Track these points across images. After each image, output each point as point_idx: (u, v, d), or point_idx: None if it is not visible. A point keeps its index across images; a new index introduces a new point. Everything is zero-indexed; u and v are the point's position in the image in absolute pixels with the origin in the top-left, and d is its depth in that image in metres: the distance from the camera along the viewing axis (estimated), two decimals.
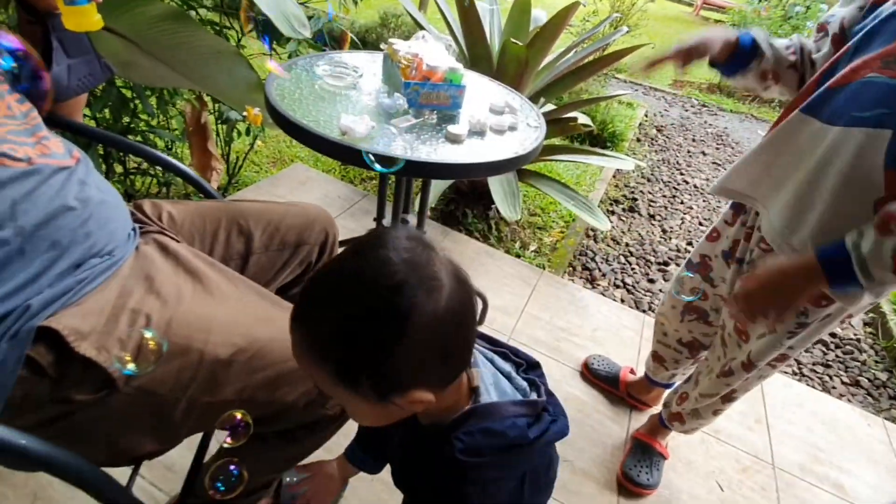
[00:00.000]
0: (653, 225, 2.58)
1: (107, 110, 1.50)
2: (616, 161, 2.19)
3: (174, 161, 1.02)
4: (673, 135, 3.78)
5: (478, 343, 0.66)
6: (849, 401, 1.76)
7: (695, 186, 3.06)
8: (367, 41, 3.50)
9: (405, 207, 1.50)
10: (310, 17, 1.58)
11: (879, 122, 0.72)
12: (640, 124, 3.79)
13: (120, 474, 0.64)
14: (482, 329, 1.64)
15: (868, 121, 0.73)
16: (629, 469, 1.29)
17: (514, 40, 1.74)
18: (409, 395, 0.48)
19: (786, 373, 1.82)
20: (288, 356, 0.66)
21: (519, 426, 0.55)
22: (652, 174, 3.10)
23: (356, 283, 0.46)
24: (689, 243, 2.49)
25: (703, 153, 3.57)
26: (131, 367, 0.59)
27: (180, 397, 0.67)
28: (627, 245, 2.37)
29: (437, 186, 2.08)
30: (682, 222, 2.66)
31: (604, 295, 1.99)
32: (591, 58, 2.13)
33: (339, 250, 0.99)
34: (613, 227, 2.49)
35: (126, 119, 1.57)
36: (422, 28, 2.08)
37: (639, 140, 3.56)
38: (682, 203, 2.84)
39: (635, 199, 2.76)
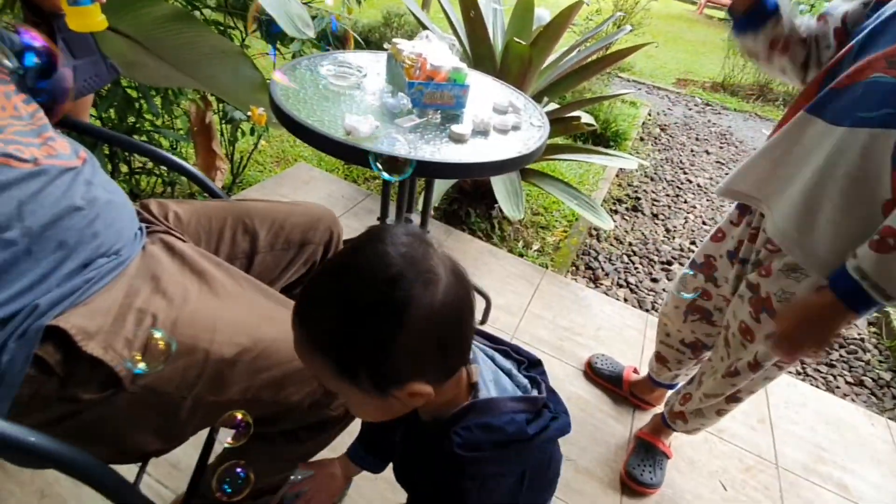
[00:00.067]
0: (656, 224, 2.58)
1: (112, 110, 1.51)
2: (619, 160, 2.19)
3: (179, 160, 1.03)
4: (676, 134, 3.77)
5: (478, 341, 0.66)
6: (853, 400, 1.76)
7: (698, 185, 3.05)
8: (370, 40, 3.50)
9: (409, 207, 1.50)
10: (313, 17, 1.59)
11: (885, 123, 0.72)
12: (643, 123, 3.78)
13: (127, 471, 0.65)
14: (485, 328, 1.65)
15: (874, 121, 0.72)
16: (632, 468, 1.29)
17: (518, 39, 1.74)
18: (407, 388, 0.49)
19: (790, 372, 1.81)
20: (292, 356, 0.67)
21: (518, 422, 0.55)
22: (655, 173, 3.09)
23: (353, 277, 0.47)
24: (693, 242, 2.48)
25: (707, 152, 3.56)
26: (142, 366, 0.60)
27: (186, 396, 0.67)
28: (631, 244, 2.37)
29: (441, 186, 2.08)
30: (686, 221, 2.65)
31: (607, 294, 1.99)
32: (594, 57, 2.13)
33: None
34: (617, 226, 2.48)
35: (131, 119, 1.58)
36: (425, 27, 2.08)
37: (642, 139, 3.55)
38: (685, 202, 2.84)
39: (638, 199, 2.76)
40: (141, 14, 1.11)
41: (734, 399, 1.12)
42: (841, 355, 1.98)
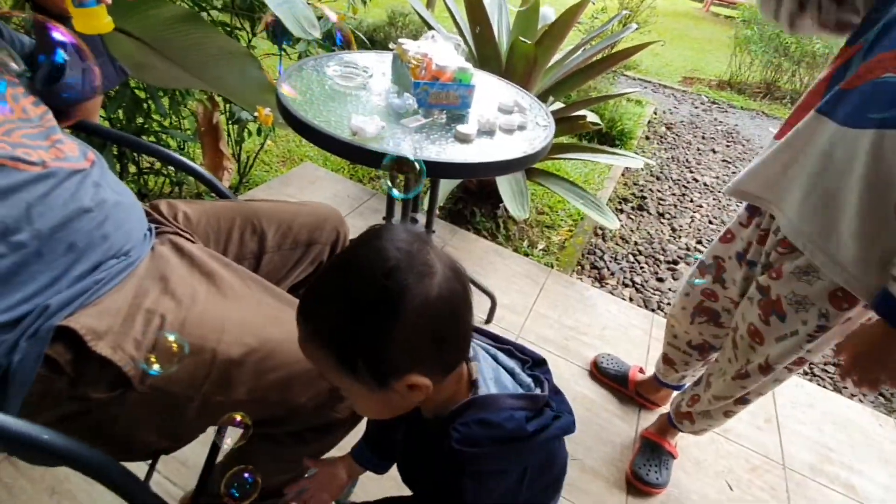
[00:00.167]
0: (662, 223, 2.57)
1: (121, 111, 1.52)
2: (625, 159, 2.19)
3: (187, 161, 1.04)
4: (682, 132, 3.76)
5: (481, 340, 0.66)
6: (860, 401, 1.75)
7: (704, 184, 3.04)
8: (375, 40, 3.51)
9: (414, 206, 1.51)
10: (319, 18, 1.59)
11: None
12: (649, 122, 3.76)
13: (137, 469, 0.66)
14: (490, 327, 1.65)
15: (885, 122, 0.72)
16: (638, 468, 1.29)
17: (523, 39, 1.74)
18: (405, 380, 0.50)
19: (797, 372, 1.80)
20: (299, 357, 0.67)
21: (517, 419, 0.56)
22: (661, 172, 3.08)
23: (352, 271, 0.50)
24: (699, 242, 2.47)
25: (714, 151, 3.54)
26: (156, 367, 0.61)
27: (194, 396, 0.68)
28: (636, 244, 2.36)
29: (446, 185, 2.09)
30: (692, 221, 2.64)
31: (612, 294, 1.98)
32: (599, 55, 2.12)
33: None
34: (622, 225, 2.48)
35: (140, 120, 1.59)
36: (430, 27, 2.09)
37: (648, 138, 3.54)
38: (691, 201, 2.83)
39: (644, 198, 2.75)
40: (149, 15, 1.12)
41: (743, 401, 1.11)
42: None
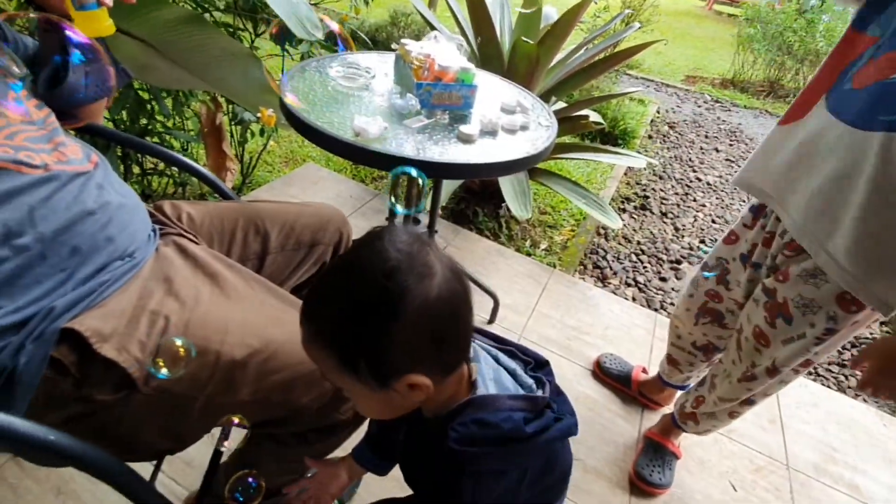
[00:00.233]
0: (665, 223, 2.57)
1: (125, 112, 1.53)
2: (627, 159, 2.18)
3: (190, 162, 1.04)
4: (685, 131, 3.75)
5: (483, 341, 0.67)
6: (864, 400, 1.74)
7: (707, 184, 3.03)
8: (377, 40, 3.51)
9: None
10: (321, 19, 1.59)
11: None
12: (651, 121, 3.76)
13: (142, 469, 0.66)
14: (492, 327, 1.65)
15: (894, 125, 0.71)
16: (641, 468, 1.29)
17: (526, 39, 1.74)
18: (405, 380, 0.51)
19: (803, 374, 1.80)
20: (302, 359, 0.68)
21: (515, 420, 0.56)
22: (664, 171, 3.07)
23: (353, 272, 0.50)
24: (702, 241, 2.47)
25: (717, 150, 3.53)
26: (164, 371, 0.61)
27: (198, 397, 0.68)
28: (639, 243, 2.36)
29: (448, 186, 2.09)
30: (695, 220, 2.64)
31: (615, 293, 1.98)
32: (602, 55, 2.12)
33: None
34: (625, 225, 2.47)
35: (143, 121, 1.60)
36: (432, 27, 2.09)
37: (650, 137, 3.53)
38: (694, 200, 2.82)
39: (647, 197, 2.74)
40: (152, 17, 1.12)
41: (748, 402, 1.11)
42: (853, 355, 1.96)
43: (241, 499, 0.65)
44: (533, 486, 0.60)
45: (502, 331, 1.66)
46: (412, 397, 0.53)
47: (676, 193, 2.86)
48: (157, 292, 0.72)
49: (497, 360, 0.64)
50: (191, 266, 0.79)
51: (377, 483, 1.14)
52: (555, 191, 2.06)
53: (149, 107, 1.58)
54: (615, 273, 2.13)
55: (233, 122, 1.84)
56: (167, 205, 0.90)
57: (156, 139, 1.65)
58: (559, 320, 1.75)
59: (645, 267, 2.21)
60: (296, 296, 0.86)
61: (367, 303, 0.48)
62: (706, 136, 3.72)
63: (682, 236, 2.48)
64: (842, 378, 1.84)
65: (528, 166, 1.16)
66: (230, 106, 1.78)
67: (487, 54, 1.96)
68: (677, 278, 2.18)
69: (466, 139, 1.07)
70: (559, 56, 2.12)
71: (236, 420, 0.66)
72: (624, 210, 2.61)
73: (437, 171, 1.02)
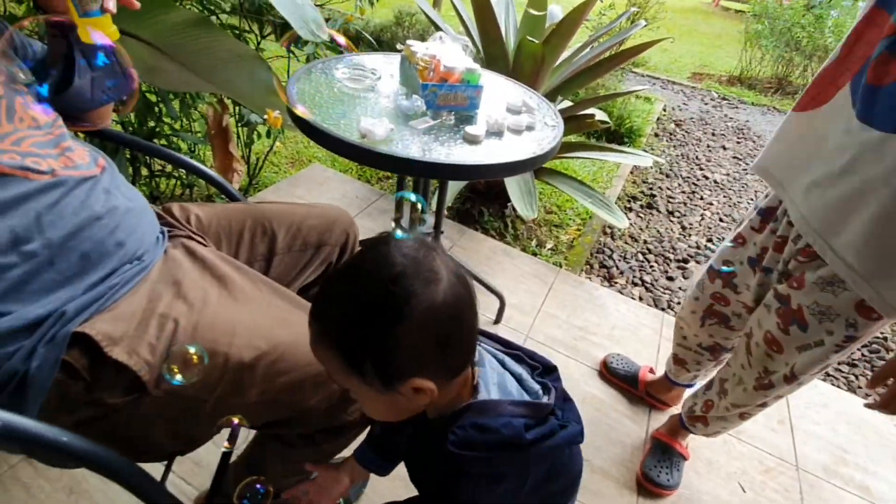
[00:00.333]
0: (672, 221, 2.55)
1: (132, 114, 1.54)
2: (633, 157, 2.17)
3: (198, 164, 1.05)
4: (692, 129, 3.72)
5: (490, 344, 0.67)
6: (875, 400, 1.72)
7: (715, 182, 3.01)
8: (381, 40, 3.51)
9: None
10: (326, 20, 1.60)
11: None
12: (658, 119, 3.74)
13: (152, 469, 0.67)
14: (498, 327, 1.65)
15: None
16: (649, 469, 1.29)
17: (531, 38, 1.73)
18: (410, 383, 0.51)
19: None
20: (309, 360, 0.68)
21: (515, 426, 0.56)
22: (671, 170, 3.05)
23: (359, 276, 0.51)
24: (710, 240, 2.45)
25: (724, 147, 3.50)
26: (179, 377, 0.62)
27: (207, 399, 0.69)
28: (646, 242, 2.35)
29: (454, 185, 2.09)
30: (702, 219, 2.62)
31: (622, 293, 1.97)
32: (608, 53, 2.11)
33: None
34: (631, 224, 2.46)
35: (151, 123, 1.61)
36: (437, 27, 2.08)
37: (657, 135, 3.51)
38: (701, 199, 2.80)
39: (653, 196, 2.73)
40: (159, 20, 1.13)
41: (761, 406, 1.09)
42: (863, 354, 1.94)
43: None
44: (537, 492, 0.60)
45: (508, 331, 1.66)
46: (417, 400, 0.54)
47: (683, 192, 2.84)
48: (166, 295, 0.72)
49: (503, 364, 0.64)
50: (199, 268, 0.79)
51: (384, 483, 1.14)
52: (561, 190, 2.06)
53: (156, 109, 1.59)
54: (622, 272, 2.12)
55: (239, 124, 1.85)
56: (176, 207, 0.91)
57: (163, 141, 1.67)
58: (565, 320, 1.75)
59: (652, 266, 2.20)
60: (302, 296, 0.86)
61: (374, 307, 0.49)
62: (713, 134, 3.70)
63: (689, 235, 2.47)
64: (852, 378, 1.82)
65: (535, 167, 1.15)
66: (237, 108, 1.79)
67: (492, 54, 1.96)
68: (684, 277, 2.16)
69: (472, 140, 1.07)
70: (565, 55, 2.12)
71: (236, 420, 0.66)
72: (630, 209, 2.60)
73: (443, 172, 1.02)
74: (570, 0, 2.16)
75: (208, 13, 1.57)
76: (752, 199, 2.87)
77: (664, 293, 2.05)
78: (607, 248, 2.25)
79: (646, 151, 2.74)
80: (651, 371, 1.52)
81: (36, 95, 0.73)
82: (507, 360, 0.65)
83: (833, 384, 1.75)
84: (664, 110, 3.96)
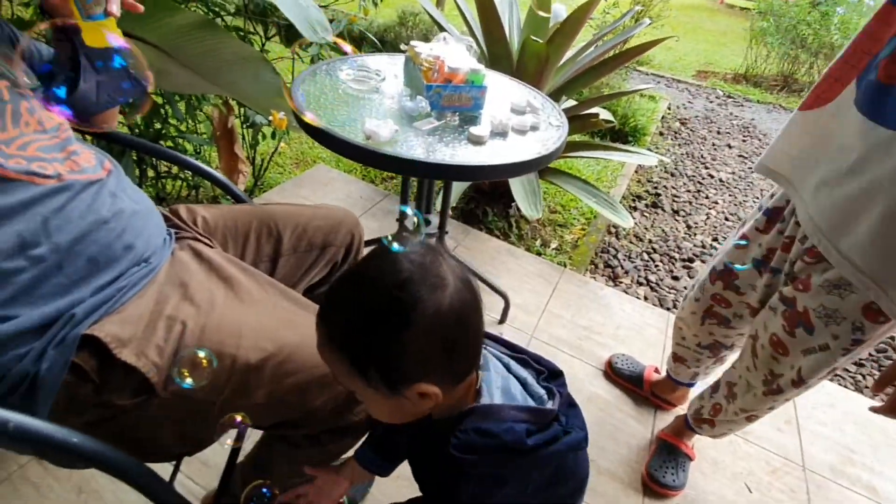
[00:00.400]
0: (677, 221, 2.54)
1: (139, 117, 1.55)
2: (638, 156, 2.16)
3: (203, 166, 1.06)
4: (697, 127, 3.70)
5: (496, 347, 0.67)
6: (882, 400, 1.71)
7: (720, 180, 2.99)
8: (385, 40, 3.52)
9: (427, 207, 1.51)
10: (331, 21, 1.60)
11: None
12: (662, 117, 3.72)
13: (160, 469, 0.67)
14: (503, 327, 1.65)
15: None
16: (654, 470, 1.28)
17: (535, 38, 1.73)
18: (415, 388, 0.52)
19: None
20: (315, 362, 0.68)
21: (516, 431, 0.56)
22: (676, 168, 3.04)
23: (367, 281, 0.52)
24: (715, 239, 2.44)
25: (729, 146, 3.48)
26: (189, 381, 0.62)
27: (214, 400, 0.69)
28: (651, 241, 2.34)
29: (458, 186, 2.09)
30: (708, 218, 2.61)
31: (627, 293, 1.97)
32: (612, 52, 2.10)
33: (365, 250, 1.01)
34: (636, 223, 2.45)
35: (157, 125, 1.62)
36: (440, 27, 2.08)
37: (662, 134, 3.50)
38: (706, 198, 2.79)
39: (658, 195, 2.72)
40: (165, 23, 1.14)
41: (769, 409, 1.09)
42: (870, 354, 1.92)
43: None
44: (540, 495, 0.60)
45: (513, 331, 1.66)
46: (422, 405, 0.54)
47: (688, 191, 2.83)
48: (174, 297, 0.73)
49: (508, 368, 0.64)
50: (205, 270, 0.80)
51: (390, 482, 1.14)
52: (565, 189, 2.05)
53: (162, 111, 1.60)
54: (626, 272, 2.12)
55: (244, 125, 1.86)
56: (183, 209, 0.91)
57: (169, 143, 1.68)
58: (570, 320, 1.74)
59: (657, 266, 2.19)
60: (307, 297, 0.87)
61: (379, 312, 0.49)
62: (718, 132, 3.68)
63: (695, 234, 2.46)
64: (859, 378, 1.81)
65: (539, 167, 1.15)
66: (242, 109, 1.80)
67: (496, 53, 1.96)
68: (690, 277, 2.16)
69: (477, 141, 1.07)
70: (569, 54, 2.11)
71: (239, 418, 0.67)
72: (635, 208, 2.59)
73: (447, 173, 1.03)
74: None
75: (213, 15, 1.57)
76: (757, 198, 2.85)
77: (669, 293, 2.05)
78: (612, 247, 2.24)
79: (650, 150, 2.73)
80: (656, 371, 1.52)
81: (53, 97, 0.74)
82: (513, 363, 0.65)
83: (840, 384, 1.74)
84: (669, 109, 3.94)
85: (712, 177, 3.03)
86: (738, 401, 1.10)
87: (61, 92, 0.74)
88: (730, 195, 2.85)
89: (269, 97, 1.25)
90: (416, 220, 0.59)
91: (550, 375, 0.65)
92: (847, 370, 1.84)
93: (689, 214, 2.61)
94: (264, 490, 0.68)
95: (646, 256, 2.23)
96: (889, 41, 0.75)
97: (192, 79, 1.20)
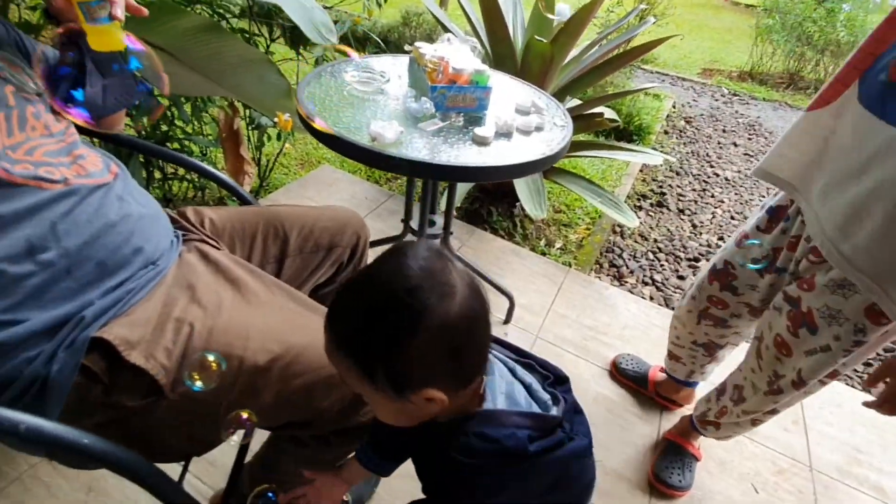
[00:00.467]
0: (682, 220, 2.53)
1: (145, 119, 1.56)
2: (643, 155, 2.16)
3: (209, 168, 1.06)
4: (702, 126, 3.69)
5: (502, 352, 0.67)
6: (876, 395, 1.70)
7: (726, 179, 2.98)
8: (389, 41, 3.52)
9: (432, 208, 1.52)
10: (335, 22, 1.61)
11: None
12: (667, 116, 3.70)
13: (169, 469, 0.68)
14: (508, 328, 1.65)
15: None
16: (661, 470, 1.28)
17: (539, 38, 1.73)
18: (422, 393, 0.52)
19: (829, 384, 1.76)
20: (322, 363, 0.69)
21: (519, 437, 0.56)
22: (681, 167, 3.03)
23: (376, 287, 0.52)
24: (721, 238, 2.43)
25: (735, 144, 3.46)
26: (199, 383, 0.63)
27: (222, 401, 0.70)
28: (656, 241, 2.33)
29: (463, 186, 2.09)
30: (713, 217, 2.60)
31: (632, 292, 1.96)
32: (616, 51, 2.10)
33: (370, 251, 1.02)
34: (641, 222, 2.45)
35: (164, 127, 1.63)
36: (444, 27, 2.09)
37: (666, 132, 3.48)
38: (712, 196, 2.78)
39: (664, 194, 2.71)
40: (170, 26, 1.14)
41: (772, 412, 1.09)
42: (878, 353, 1.91)
43: None
44: (542, 500, 0.60)
45: (518, 331, 1.66)
46: (428, 409, 0.54)
47: (694, 190, 2.82)
48: (181, 299, 0.73)
49: (513, 372, 0.64)
50: (213, 272, 0.81)
51: (396, 482, 1.15)
52: (569, 189, 2.05)
53: (169, 113, 1.61)
54: (632, 272, 2.11)
55: (250, 127, 1.87)
56: (190, 211, 0.92)
57: (176, 145, 1.69)
58: (575, 320, 1.74)
59: (662, 265, 2.19)
60: (313, 298, 0.87)
61: (387, 318, 0.50)
62: (724, 131, 3.66)
63: (700, 233, 2.45)
64: (866, 377, 1.80)
65: (544, 168, 1.15)
66: (247, 111, 1.81)
67: (500, 53, 1.96)
68: (695, 276, 2.15)
69: (481, 141, 1.07)
70: (573, 53, 2.11)
71: (245, 415, 0.67)
72: (640, 207, 2.58)
73: (452, 174, 1.03)
74: None
75: (218, 18, 1.58)
76: (763, 196, 2.83)
77: (675, 292, 2.04)
78: (617, 247, 2.24)
79: (655, 149, 2.73)
80: (661, 371, 1.51)
81: (71, 100, 0.74)
82: (518, 368, 0.65)
83: (847, 384, 1.73)
84: (674, 107, 3.92)
85: (718, 175, 3.01)
86: (745, 403, 1.10)
87: (79, 94, 0.74)
88: (735, 194, 2.84)
89: (274, 98, 1.25)
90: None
91: (556, 381, 0.65)
92: (854, 370, 1.82)
93: (695, 213, 2.60)
94: (269, 494, 0.68)
95: (651, 256, 2.23)
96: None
97: (197, 81, 1.21)
